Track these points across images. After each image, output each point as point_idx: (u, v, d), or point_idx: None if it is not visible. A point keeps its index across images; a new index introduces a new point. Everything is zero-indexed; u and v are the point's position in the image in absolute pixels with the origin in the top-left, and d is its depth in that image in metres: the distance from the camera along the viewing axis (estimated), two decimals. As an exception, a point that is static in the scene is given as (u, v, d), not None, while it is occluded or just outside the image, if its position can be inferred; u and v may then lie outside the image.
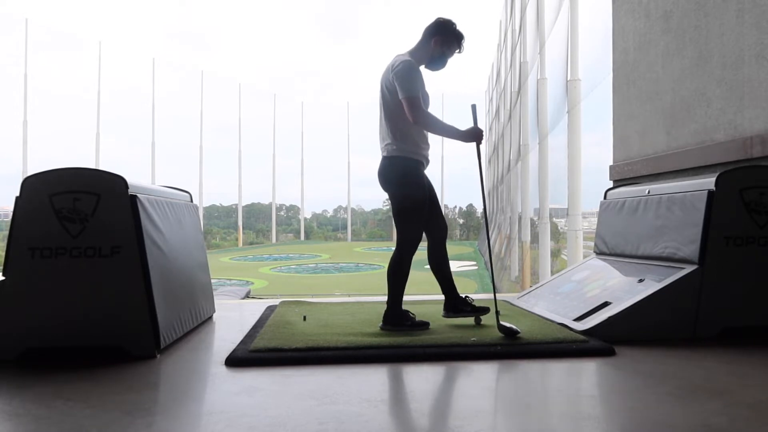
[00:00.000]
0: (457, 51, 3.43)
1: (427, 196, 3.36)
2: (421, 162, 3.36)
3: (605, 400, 2.10)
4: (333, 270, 26.83)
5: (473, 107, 3.36)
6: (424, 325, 3.22)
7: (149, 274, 2.71)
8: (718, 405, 1.93)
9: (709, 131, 3.67)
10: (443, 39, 3.36)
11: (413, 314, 3.27)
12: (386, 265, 3.37)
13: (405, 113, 3.22)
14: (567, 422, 1.83)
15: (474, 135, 3.29)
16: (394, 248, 3.36)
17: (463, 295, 3.48)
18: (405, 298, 3.33)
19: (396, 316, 3.23)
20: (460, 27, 3.42)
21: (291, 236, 52.81)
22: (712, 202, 2.99)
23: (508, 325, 2.96)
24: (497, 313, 3.12)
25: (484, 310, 3.39)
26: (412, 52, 3.38)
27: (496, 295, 3.49)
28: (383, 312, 3.28)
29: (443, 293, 3.50)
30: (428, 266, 3.48)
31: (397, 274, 3.29)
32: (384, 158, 3.34)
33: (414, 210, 3.29)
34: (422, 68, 3.39)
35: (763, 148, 3.14)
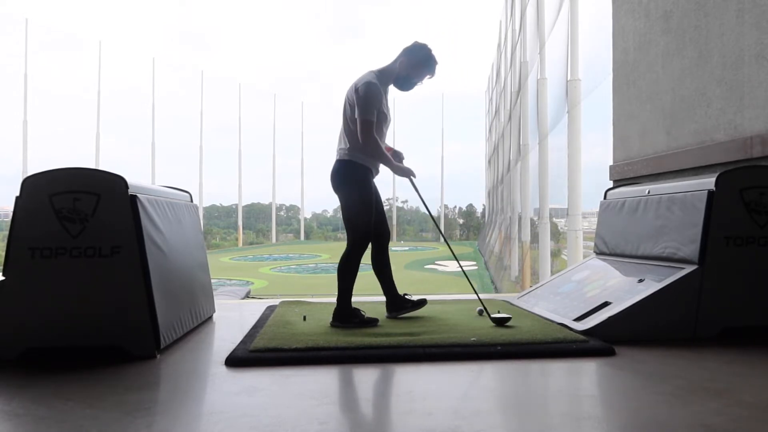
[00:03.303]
0: (429, 76, 3.54)
1: (374, 200, 3.52)
2: (370, 170, 3.51)
3: (605, 400, 2.10)
4: (333, 270, 26.50)
5: (412, 181, 3.67)
6: (372, 322, 3.31)
7: (149, 274, 2.71)
8: (718, 405, 1.93)
9: (709, 131, 3.67)
10: (409, 61, 3.46)
11: (363, 312, 3.36)
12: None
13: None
14: (567, 422, 1.83)
15: (405, 171, 3.56)
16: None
17: (403, 293, 3.65)
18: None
19: (344, 314, 3.32)
20: (434, 52, 3.50)
21: (291, 236, 52.77)
22: (712, 202, 2.99)
23: (496, 315, 3.27)
24: (485, 310, 3.43)
25: (422, 302, 3.62)
26: (383, 70, 3.48)
27: (496, 294, 3.63)
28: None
29: (384, 293, 3.66)
30: (402, 268, 3.75)
31: (347, 272, 3.44)
32: (338, 161, 3.49)
33: (364, 210, 3.45)
34: (391, 86, 3.55)
35: (763, 148, 3.14)
